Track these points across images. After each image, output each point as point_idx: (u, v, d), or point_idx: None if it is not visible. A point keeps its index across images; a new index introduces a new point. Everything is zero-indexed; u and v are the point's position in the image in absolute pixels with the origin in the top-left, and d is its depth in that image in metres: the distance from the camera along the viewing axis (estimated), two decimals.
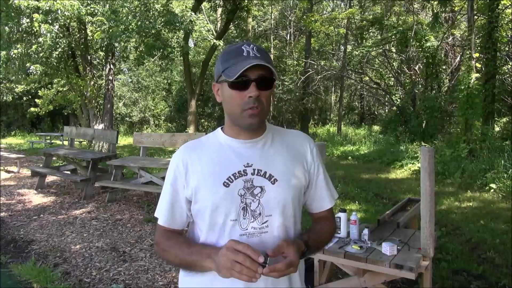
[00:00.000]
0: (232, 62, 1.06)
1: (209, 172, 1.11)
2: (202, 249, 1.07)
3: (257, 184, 1.09)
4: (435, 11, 11.89)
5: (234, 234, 1.08)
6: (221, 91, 1.12)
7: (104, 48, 11.02)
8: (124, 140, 17.62)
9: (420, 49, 12.97)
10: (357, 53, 14.08)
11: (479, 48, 10.14)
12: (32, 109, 19.30)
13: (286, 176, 1.12)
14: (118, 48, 12.56)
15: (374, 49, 14.82)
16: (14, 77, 15.78)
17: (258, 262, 0.94)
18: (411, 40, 12.74)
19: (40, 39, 9.81)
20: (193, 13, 10.24)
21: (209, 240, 1.11)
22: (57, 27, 10.08)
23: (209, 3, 14.62)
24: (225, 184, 1.08)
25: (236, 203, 1.08)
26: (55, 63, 11.04)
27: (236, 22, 16.00)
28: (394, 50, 15.41)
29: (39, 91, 18.48)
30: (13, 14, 9.96)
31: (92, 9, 9.86)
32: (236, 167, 1.10)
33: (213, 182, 1.09)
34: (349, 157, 11.10)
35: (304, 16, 17.08)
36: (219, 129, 1.20)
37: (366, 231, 2.63)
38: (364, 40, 15.31)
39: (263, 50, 1.10)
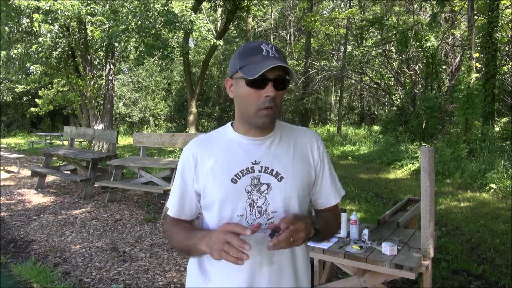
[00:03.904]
0: (251, 60, 1.07)
1: (218, 168, 1.13)
2: (197, 233, 1.10)
3: (264, 181, 1.12)
4: (435, 11, 11.87)
5: None
6: (235, 87, 1.13)
7: (104, 48, 11.02)
8: (124, 140, 17.61)
9: (420, 49, 12.97)
10: (357, 53, 14.07)
11: (479, 48, 10.14)
12: (32, 109, 19.29)
13: (292, 174, 1.14)
14: (118, 48, 12.56)
15: (374, 49, 14.82)
16: (14, 77, 15.81)
17: (245, 234, 0.96)
18: (411, 40, 12.74)
19: (40, 39, 9.80)
20: (193, 13, 10.23)
21: None
22: (57, 27, 10.07)
23: (209, 3, 14.59)
24: (233, 180, 1.11)
25: (243, 199, 1.11)
26: (55, 63, 11.04)
27: (236, 22, 15.98)
28: (394, 50, 15.40)
29: (39, 91, 18.48)
30: (13, 14, 9.96)
31: (92, 9, 9.85)
32: (244, 164, 1.13)
33: (221, 178, 1.12)
34: (349, 157, 11.10)
35: (304, 16, 17.09)
36: (229, 124, 1.21)
37: (366, 231, 2.63)
38: (364, 40, 15.30)
39: (280, 51, 1.12)
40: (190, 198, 1.19)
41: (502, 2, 10.06)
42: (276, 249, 0.99)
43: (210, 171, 1.13)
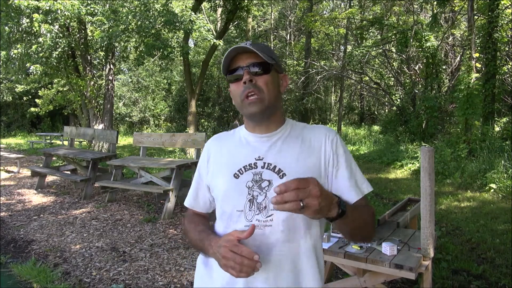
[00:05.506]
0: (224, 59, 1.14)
1: (224, 163, 1.18)
2: (205, 239, 1.12)
3: (266, 177, 1.11)
4: (435, 11, 11.86)
5: (239, 224, 1.10)
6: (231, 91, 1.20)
7: (104, 48, 11.02)
8: (124, 140, 17.62)
9: (420, 49, 12.96)
10: (357, 53, 14.07)
11: (479, 48, 10.13)
12: (32, 109, 19.31)
13: (295, 171, 1.09)
14: (118, 48, 12.56)
15: (374, 49, 14.82)
16: (14, 77, 15.81)
17: (254, 260, 0.95)
18: (411, 40, 12.74)
19: (40, 39, 9.80)
20: (193, 13, 10.22)
21: (219, 228, 1.18)
22: (57, 27, 10.07)
23: (209, 3, 14.58)
24: (235, 175, 1.13)
25: (244, 194, 1.11)
26: (55, 63, 11.04)
27: (236, 22, 15.98)
28: (394, 50, 15.40)
29: (39, 91, 18.49)
30: (13, 14, 9.95)
31: (92, 9, 9.85)
32: (247, 160, 1.14)
33: (225, 173, 1.15)
34: None
35: (304, 16, 17.09)
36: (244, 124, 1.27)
37: None
38: (364, 40, 15.30)
39: (259, 43, 1.14)
40: (203, 191, 1.26)
41: (502, 2, 10.04)
42: (280, 210, 0.86)
43: (218, 166, 1.19)
